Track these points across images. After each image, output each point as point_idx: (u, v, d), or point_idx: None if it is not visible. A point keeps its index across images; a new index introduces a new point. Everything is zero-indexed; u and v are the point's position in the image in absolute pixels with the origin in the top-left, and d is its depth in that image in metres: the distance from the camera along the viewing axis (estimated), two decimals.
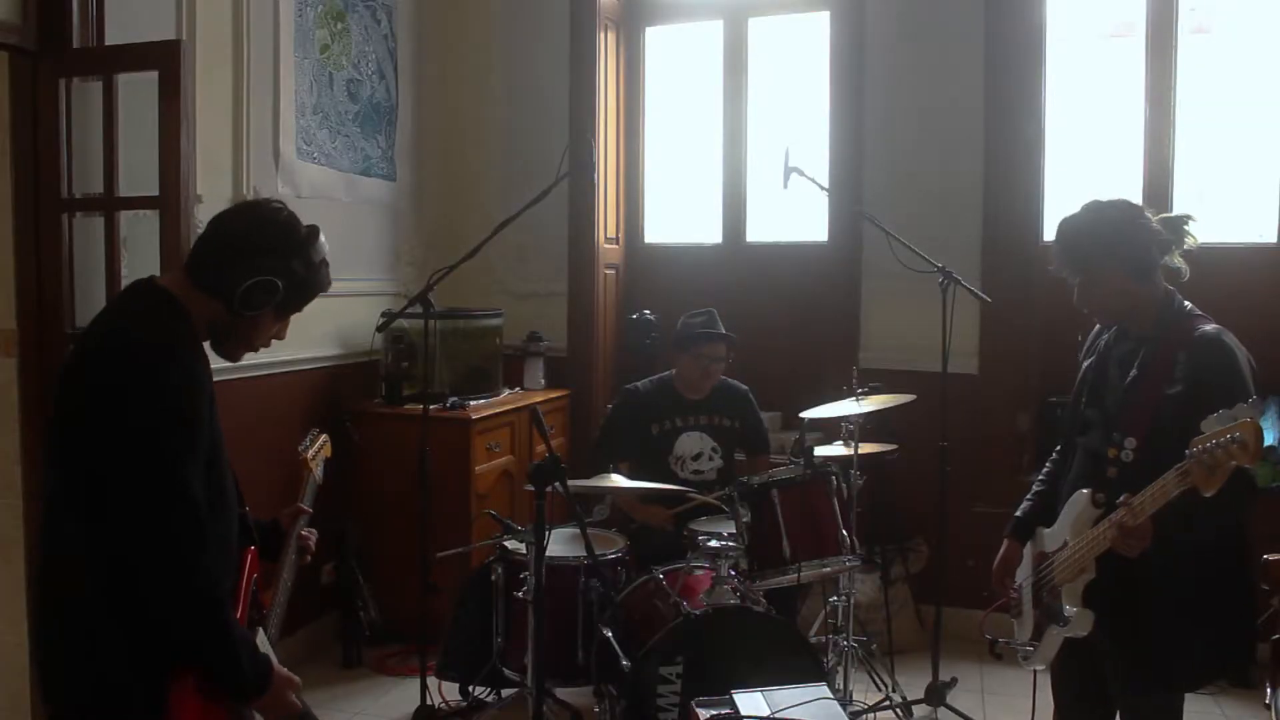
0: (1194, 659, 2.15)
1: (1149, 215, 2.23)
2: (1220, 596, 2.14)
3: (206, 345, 1.90)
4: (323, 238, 1.93)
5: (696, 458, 3.76)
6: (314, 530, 2.20)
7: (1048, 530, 2.32)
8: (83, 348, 1.81)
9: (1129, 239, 2.19)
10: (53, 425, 1.76)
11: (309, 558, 2.18)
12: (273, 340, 1.98)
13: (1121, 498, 2.01)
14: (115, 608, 1.67)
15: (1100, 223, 2.21)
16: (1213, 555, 2.13)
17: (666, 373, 3.88)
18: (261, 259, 1.81)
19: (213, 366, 3.37)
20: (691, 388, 3.79)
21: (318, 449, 2.28)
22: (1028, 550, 2.41)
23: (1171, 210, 3.96)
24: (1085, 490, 2.18)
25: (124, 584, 1.65)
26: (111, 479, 1.65)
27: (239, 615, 1.86)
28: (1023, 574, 2.40)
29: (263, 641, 1.93)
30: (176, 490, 1.65)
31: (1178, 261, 2.25)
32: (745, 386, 3.92)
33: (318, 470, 2.25)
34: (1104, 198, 2.26)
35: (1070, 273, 2.25)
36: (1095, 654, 2.24)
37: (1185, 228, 2.23)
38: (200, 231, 1.92)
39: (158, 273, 2.15)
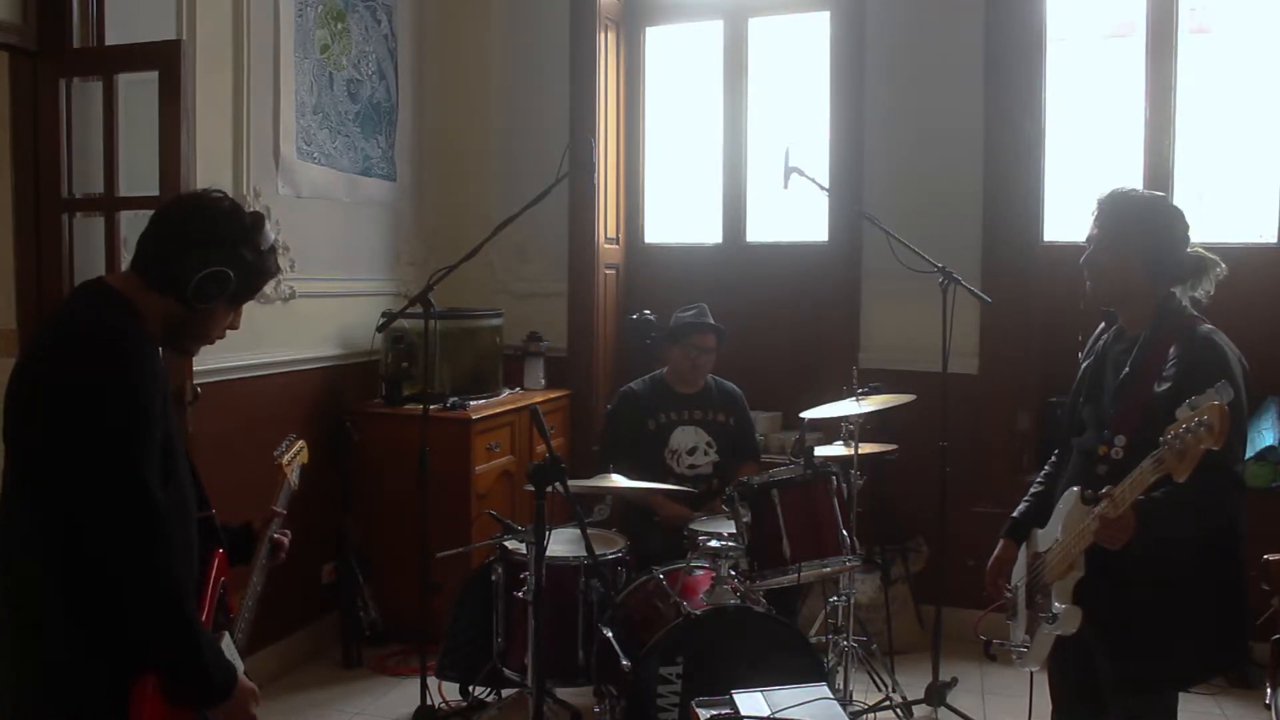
0: (1182, 659, 2.15)
1: (1193, 241, 2.25)
2: (1211, 597, 2.14)
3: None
4: (268, 224, 1.90)
5: (691, 452, 3.78)
6: (288, 532, 2.19)
7: (1041, 531, 2.33)
8: (35, 348, 1.78)
9: (1167, 239, 2.22)
10: (5, 427, 1.72)
11: (283, 555, 2.17)
12: (228, 331, 1.95)
13: (1104, 490, 2.02)
14: (73, 610, 1.65)
15: (1156, 208, 2.26)
16: (1203, 555, 2.13)
17: (659, 370, 3.90)
18: (210, 250, 1.78)
19: (211, 367, 3.40)
20: (683, 381, 3.83)
21: (293, 455, 2.30)
22: (1023, 552, 2.41)
23: None
24: (1075, 488, 2.19)
25: (84, 585, 1.63)
26: (69, 481, 1.63)
27: (204, 618, 1.84)
28: (1017, 575, 2.41)
29: (228, 646, 1.91)
30: (137, 490, 1.63)
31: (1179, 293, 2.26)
32: (738, 388, 3.94)
33: (293, 476, 2.27)
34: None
35: (1098, 225, 2.27)
36: (1088, 652, 2.24)
37: (1212, 272, 2.24)
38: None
39: None
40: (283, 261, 3.74)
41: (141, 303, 1.78)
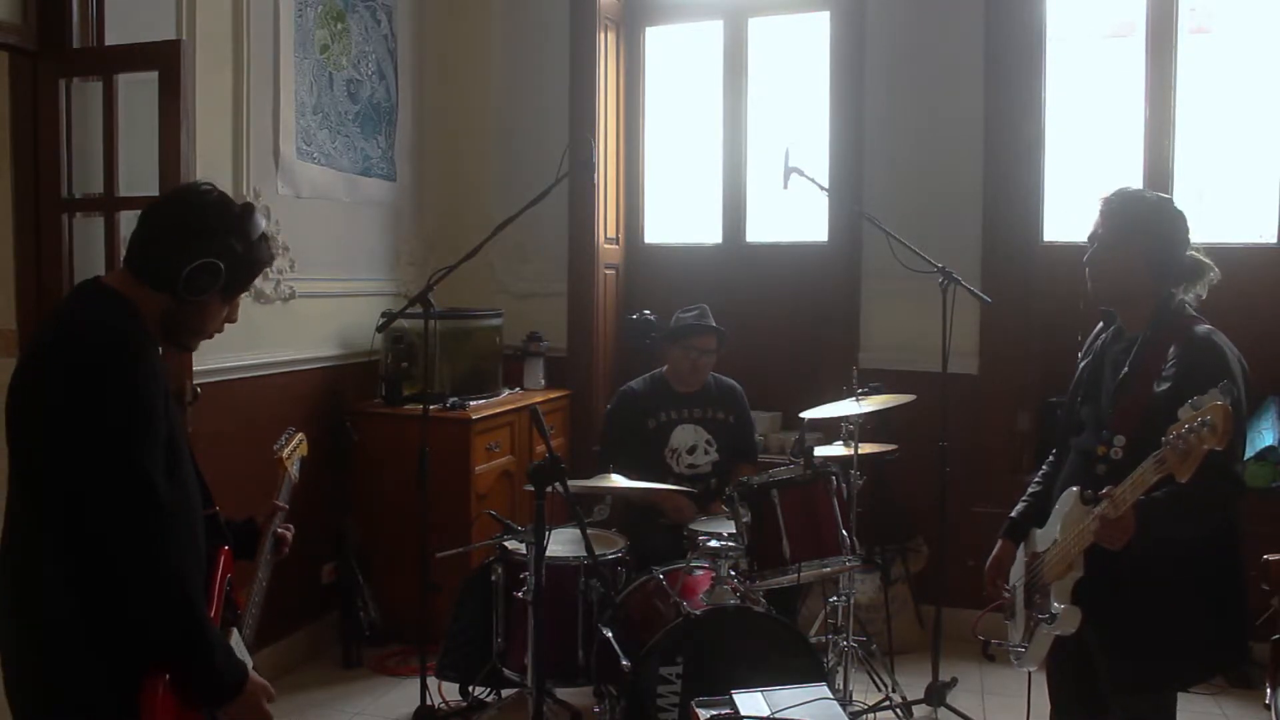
0: (1182, 659, 2.16)
1: (1194, 244, 2.27)
2: (1210, 597, 2.14)
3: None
4: (258, 214, 1.89)
5: (691, 450, 3.79)
6: (290, 526, 2.19)
7: (1040, 530, 2.33)
8: (35, 349, 1.77)
9: (1169, 239, 2.23)
10: (6, 429, 1.71)
11: (286, 550, 2.17)
12: (226, 325, 1.94)
13: (1104, 490, 2.02)
14: (82, 609, 1.65)
15: (1161, 209, 2.26)
16: (1202, 555, 2.13)
17: (659, 369, 3.91)
18: (199, 242, 1.78)
19: (211, 367, 3.40)
20: (683, 380, 3.83)
21: (293, 448, 2.30)
22: (1021, 551, 2.41)
23: None
24: (1074, 488, 2.19)
25: (93, 585, 1.63)
26: (72, 481, 1.63)
27: (212, 615, 1.84)
28: (1016, 575, 2.41)
29: (238, 643, 1.91)
30: (141, 489, 1.63)
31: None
32: (738, 384, 3.94)
33: (293, 469, 2.27)
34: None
35: (1103, 224, 2.28)
36: (1087, 652, 2.24)
37: (1206, 276, 2.26)
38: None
39: None
40: (282, 261, 3.75)
41: (138, 300, 1.78)
